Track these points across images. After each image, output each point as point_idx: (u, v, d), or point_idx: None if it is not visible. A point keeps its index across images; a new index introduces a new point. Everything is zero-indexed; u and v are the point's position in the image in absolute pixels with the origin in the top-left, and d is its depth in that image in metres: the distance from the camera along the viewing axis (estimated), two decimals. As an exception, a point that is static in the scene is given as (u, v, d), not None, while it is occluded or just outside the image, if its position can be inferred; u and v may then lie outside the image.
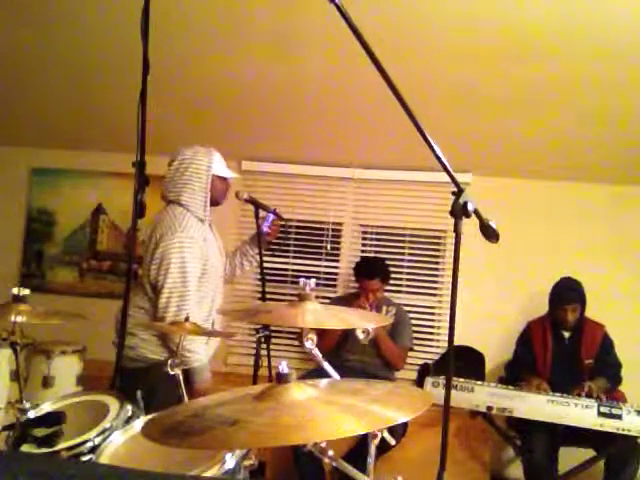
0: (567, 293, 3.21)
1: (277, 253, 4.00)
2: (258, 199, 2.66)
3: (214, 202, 2.47)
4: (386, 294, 3.62)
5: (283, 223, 2.77)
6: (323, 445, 1.16)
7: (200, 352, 2.31)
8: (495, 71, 3.00)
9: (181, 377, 1.81)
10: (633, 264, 3.74)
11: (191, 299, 2.27)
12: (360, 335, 3.11)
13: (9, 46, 3.26)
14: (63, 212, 4.29)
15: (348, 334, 3.27)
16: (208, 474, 1.26)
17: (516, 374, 3.26)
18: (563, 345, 3.24)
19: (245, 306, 3.83)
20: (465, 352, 3.63)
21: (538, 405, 2.84)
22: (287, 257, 4.09)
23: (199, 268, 2.32)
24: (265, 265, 2.62)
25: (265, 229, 2.64)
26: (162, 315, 2.24)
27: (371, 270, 3.45)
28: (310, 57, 3.08)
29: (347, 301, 3.40)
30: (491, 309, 3.81)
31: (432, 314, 3.98)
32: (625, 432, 2.72)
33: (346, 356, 3.34)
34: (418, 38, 2.84)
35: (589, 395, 2.90)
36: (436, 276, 3.99)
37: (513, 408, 2.86)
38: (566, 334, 3.25)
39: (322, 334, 3.13)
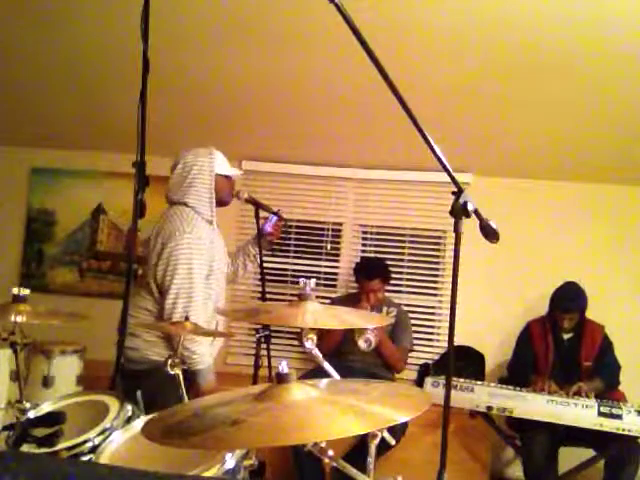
0: (567, 302, 3.19)
1: (277, 253, 4.00)
2: (258, 199, 2.66)
3: (221, 202, 2.46)
4: (387, 294, 3.61)
5: (284, 223, 2.77)
6: (323, 445, 1.16)
7: (205, 354, 2.29)
8: (495, 71, 3.00)
9: (181, 377, 1.81)
10: (633, 264, 3.74)
11: (198, 300, 2.26)
12: (362, 345, 3.11)
13: (9, 46, 3.26)
14: (63, 212, 4.29)
15: (349, 336, 3.27)
16: (208, 474, 1.26)
17: (519, 375, 3.24)
18: (563, 346, 3.24)
19: (245, 306, 3.84)
20: (465, 352, 3.63)
21: (538, 405, 2.84)
22: (287, 257, 4.09)
23: (206, 269, 2.31)
24: (265, 265, 2.62)
25: (268, 229, 2.63)
26: (169, 316, 2.23)
27: (371, 271, 3.44)
28: (310, 57, 3.08)
29: (347, 301, 3.39)
30: (491, 309, 3.81)
31: (432, 314, 3.98)
32: (625, 432, 2.71)
33: (347, 357, 3.33)
34: (418, 38, 2.84)
35: (579, 395, 2.90)
36: (436, 276, 3.99)
37: (513, 408, 2.86)
38: (566, 335, 3.25)
39: (322, 337, 3.13)
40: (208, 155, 2.39)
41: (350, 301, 3.39)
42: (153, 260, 2.30)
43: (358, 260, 3.83)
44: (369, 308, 3.32)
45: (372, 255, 3.97)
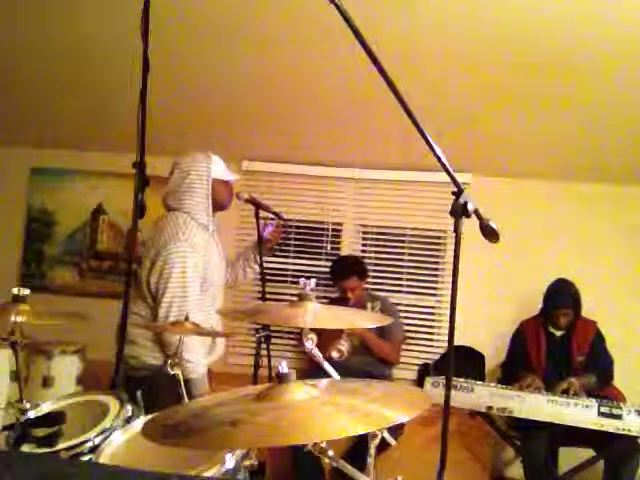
0: (560, 298, 3.19)
1: (277, 253, 4.00)
2: (259, 199, 2.65)
3: (219, 207, 2.44)
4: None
5: (284, 224, 2.77)
6: (323, 445, 1.16)
7: (198, 363, 2.26)
8: (495, 71, 3.00)
9: (181, 377, 1.81)
10: (632, 264, 3.75)
11: (191, 307, 2.23)
12: (334, 355, 3.12)
13: (9, 45, 3.26)
14: (63, 212, 4.29)
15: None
16: (208, 474, 1.26)
17: (511, 373, 3.25)
18: (555, 343, 3.24)
19: (245, 306, 3.83)
20: (465, 352, 3.63)
21: (538, 405, 2.84)
22: (287, 257, 4.09)
23: (200, 276, 2.29)
24: (265, 265, 2.61)
25: (266, 235, 2.63)
26: (162, 323, 2.21)
27: (345, 270, 3.43)
28: (310, 57, 3.08)
29: (336, 304, 3.37)
30: (491, 309, 3.81)
31: (432, 314, 3.98)
32: (625, 432, 2.71)
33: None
34: (418, 38, 2.84)
35: (567, 391, 2.90)
36: (436, 276, 3.99)
37: (513, 408, 2.86)
38: (558, 332, 3.24)
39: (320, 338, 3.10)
40: (205, 159, 2.37)
41: (338, 304, 3.37)
42: (147, 266, 2.28)
43: (331, 262, 3.72)
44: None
45: (346, 254, 3.90)
